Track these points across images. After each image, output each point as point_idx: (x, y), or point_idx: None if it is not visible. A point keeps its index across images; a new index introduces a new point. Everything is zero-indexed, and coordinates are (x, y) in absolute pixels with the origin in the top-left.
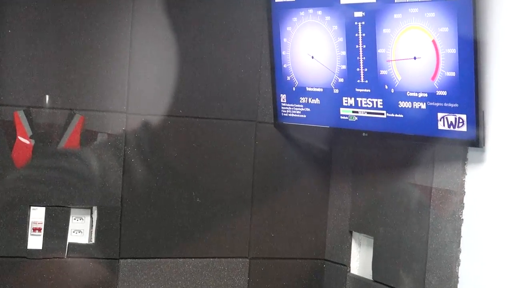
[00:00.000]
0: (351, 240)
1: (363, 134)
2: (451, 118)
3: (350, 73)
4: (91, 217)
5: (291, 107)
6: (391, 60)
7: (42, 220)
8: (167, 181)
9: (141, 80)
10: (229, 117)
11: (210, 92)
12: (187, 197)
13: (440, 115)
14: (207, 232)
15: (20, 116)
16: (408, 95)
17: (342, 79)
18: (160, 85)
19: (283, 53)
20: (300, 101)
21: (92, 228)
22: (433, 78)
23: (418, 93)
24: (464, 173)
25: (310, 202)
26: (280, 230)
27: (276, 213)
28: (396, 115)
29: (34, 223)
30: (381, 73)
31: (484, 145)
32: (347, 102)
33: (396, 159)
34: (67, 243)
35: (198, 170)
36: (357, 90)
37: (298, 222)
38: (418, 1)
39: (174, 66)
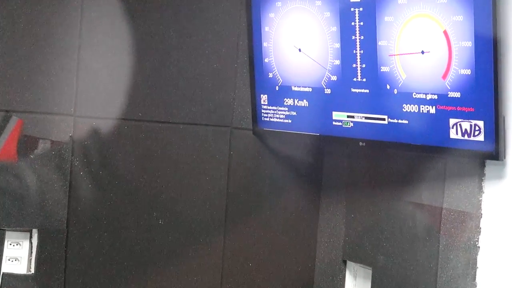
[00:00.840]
0: (345, 271)
1: (360, 143)
2: (466, 125)
3: (345, 70)
4: (31, 242)
5: (274, 110)
6: (394, 55)
7: None
8: (122, 200)
9: (93, 77)
10: (198, 122)
11: (176, 92)
12: (147, 218)
13: (452, 121)
14: (170, 262)
15: None
16: (414, 97)
17: (335, 76)
18: (115, 83)
19: (265, 44)
20: (285, 103)
21: (31, 256)
22: (445, 76)
23: (426, 94)
24: (481, 191)
25: (295, 225)
26: (259, 260)
27: (254, 239)
28: (399, 121)
29: None
30: (382, 70)
31: (504, 158)
32: (341, 105)
33: (399, 174)
34: (1, 274)
35: (161, 186)
36: (353, 90)
37: (281, 250)
38: None
39: (132, 60)
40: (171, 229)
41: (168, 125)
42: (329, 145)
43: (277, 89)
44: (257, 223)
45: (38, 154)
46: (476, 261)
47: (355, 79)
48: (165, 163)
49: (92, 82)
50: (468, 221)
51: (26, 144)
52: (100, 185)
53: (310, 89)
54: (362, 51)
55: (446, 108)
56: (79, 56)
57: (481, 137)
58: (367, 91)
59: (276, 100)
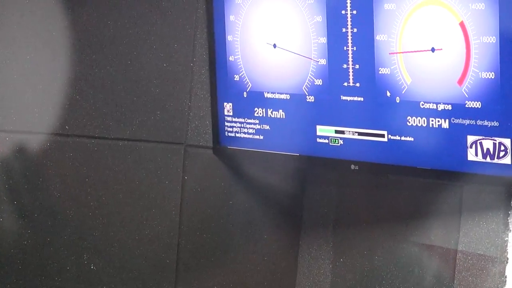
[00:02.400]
0: None
1: (352, 166)
2: (488, 143)
3: (333, 72)
4: None
5: (241, 123)
6: (397, 53)
7: None
8: (47, 235)
9: (12, 82)
10: (142, 138)
11: (113, 100)
12: (76, 261)
13: (471, 138)
14: None
15: None
16: (421, 107)
17: (321, 80)
18: (36, 90)
19: (229, 38)
20: (255, 114)
21: None
22: (461, 81)
23: (437, 104)
24: (507, 229)
25: (268, 272)
26: None
27: None
28: (403, 138)
29: None
30: (380, 73)
31: None
32: (327, 117)
33: (402, 207)
34: None
35: (93, 220)
36: (343, 98)
37: None
38: None
39: (58, 61)
40: (105, 277)
41: (104, 142)
42: (312, 169)
43: (245, 95)
44: (217, 270)
45: None
46: None
47: (345, 84)
48: (99, 190)
49: (12, 89)
50: (490, 267)
51: None
52: (21, 216)
53: (288, 96)
54: (354, 48)
55: (463, 122)
56: None
57: (507, 160)
58: (361, 99)
59: (243, 110)
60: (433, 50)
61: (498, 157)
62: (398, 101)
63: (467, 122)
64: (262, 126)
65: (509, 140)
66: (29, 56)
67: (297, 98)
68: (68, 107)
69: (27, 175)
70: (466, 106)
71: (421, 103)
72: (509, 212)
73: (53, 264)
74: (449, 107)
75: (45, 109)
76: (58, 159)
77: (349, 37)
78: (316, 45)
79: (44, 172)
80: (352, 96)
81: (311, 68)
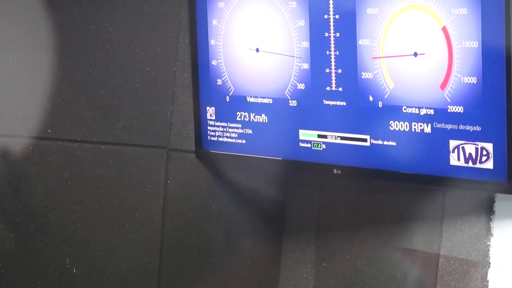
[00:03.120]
0: None
1: (335, 171)
2: (470, 148)
3: (316, 76)
4: None
5: (223, 127)
6: (379, 57)
7: None
8: (26, 240)
9: None
10: (125, 142)
11: (95, 103)
12: (57, 265)
13: (453, 143)
14: None
15: None
16: (404, 111)
17: (303, 84)
18: (23, 93)
19: (212, 42)
20: (238, 118)
21: None
22: (443, 86)
23: (419, 108)
24: (489, 233)
25: (250, 277)
26: None
27: None
28: (385, 143)
29: None
30: (363, 77)
31: None
32: (310, 121)
33: (384, 211)
34: None
35: (76, 223)
36: (325, 102)
37: None
38: None
39: (39, 62)
40: (88, 281)
41: (86, 145)
42: (295, 173)
43: (227, 100)
44: (200, 275)
45: None
46: None
47: (328, 88)
48: (82, 194)
49: None
50: (473, 272)
51: None
52: (4, 221)
53: (271, 101)
54: (337, 52)
55: (445, 126)
56: None
57: (489, 164)
58: (344, 103)
59: (226, 114)
60: (415, 54)
61: (481, 162)
62: (380, 106)
63: (449, 126)
64: (245, 130)
65: (491, 144)
66: (11, 59)
67: (279, 102)
68: (50, 110)
69: (10, 179)
70: (449, 110)
71: (403, 108)
72: (491, 217)
73: (35, 267)
74: (432, 111)
75: (27, 113)
76: (41, 163)
77: (332, 42)
78: (298, 49)
79: (27, 175)
80: (334, 101)
81: (293, 72)
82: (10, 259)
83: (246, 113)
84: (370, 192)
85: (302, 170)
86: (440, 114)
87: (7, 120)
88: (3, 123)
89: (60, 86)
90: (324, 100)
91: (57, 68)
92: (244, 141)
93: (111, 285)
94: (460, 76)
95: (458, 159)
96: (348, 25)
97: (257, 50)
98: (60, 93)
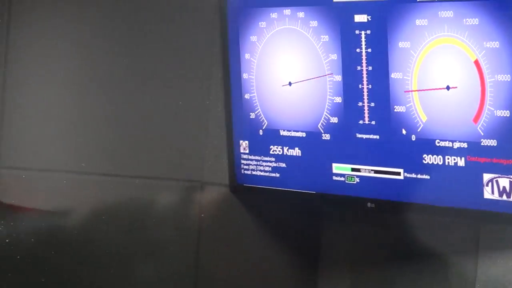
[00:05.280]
0: None
1: (368, 204)
2: (504, 182)
3: (348, 110)
4: None
5: (257, 160)
6: (412, 91)
7: None
8: (65, 272)
9: (26, 120)
10: (157, 175)
11: (127, 137)
12: None
13: (487, 176)
14: None
15: None
16: (437, 145)
17: (336, 118)
18: (56, 127)
19: (245, 76)
20: (271, 152)
21: None
22: (476, 119)
23: (453, 142)
24: None
25: None
26: None
27: None
28: (419, 176)
29: None
30: (395, 111)
31: None
32: (343, 155)
33: (419, 245)
34: None
35: (112, 258)
36: (358, 136)
37: None
38: (453, 0)
39: (69, 94)
40: None
41: (120, 180)
42: (329, 207)
43: (261, 133)
44: None
45: None
46: None
47: (361, 122)
48: (116, 228)
49: (21, 127)
50: None
51: None
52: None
53: (304, 134)
54: (370, 86)
55: (479, 159)
56: (4, 92)
57: None
58: (377, 137)
59: (259, 148)
60: (448, 88)
61: None
62: (414, 139)
63: (483, 160)
64: (278, 164)
65: None
66: (42, 94)
67: (312, 136)
68: (81, 144)
69: (45, 214)
70: (482, 144)
71: (436, 141)
72: None
73: None
74: (465, 145)
75: (58, 147)
76: (75, 197)
77: (364, 75)
78: (331, 83)
79: (61, 210)
80: (367, 134)
81: (326, 106)
82: None
83: (279, 147)
84: (404, 226)
85: (336, 203)
86: (474, 148)
87: (40, 155)
88: (37, 157)
89: (93, 121)
90: (357, 134)
91: (90, 103)
92: (277, 175)
93: None
94: (493, 109)
95: (492, 193)
96: (381, 58)
97: (290, 83)
98: (93, 127)
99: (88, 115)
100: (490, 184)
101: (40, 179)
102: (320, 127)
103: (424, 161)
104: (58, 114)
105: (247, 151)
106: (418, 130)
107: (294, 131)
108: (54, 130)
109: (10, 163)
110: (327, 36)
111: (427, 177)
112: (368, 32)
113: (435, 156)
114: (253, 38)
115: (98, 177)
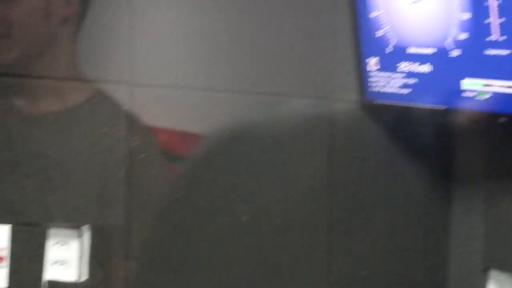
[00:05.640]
0: (487, 282)
1: (501, 119)
2: None
3: (477, 26)
4: (81, 241)
5: (387, 77)
6: None
7: (6, 244)
8: (195, 189)
9: (148, 38)
10: (287, 93)
11: (256, 53)
12: (226, 215)
13: None
14: (259, 265)
15: None
16: None
17: (464, 34)
18: (176, 43)
19: None
20: (400, 69)
21: (82, 259)
22: None
23: None
24: None
25: (419, 225)
26: (375, 269)
27: (366, 243)
28: None
29: None
30: None
31: None
32: (473, 70)
33: None
34: (46, 281)
35: (243, 174)
36: (488, 51)
37: (403, 257)
38: None
39: (199, 17)
40: (256, 229)
41: (247, 97)
42: (459, 123)
43: (389, 50)
44: (369, 223)
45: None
46: None
47: (489, 38)
48: (242, 147)
49: (147, 44)
50: None
51: None
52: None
53: (433, 50)
54: (500, 1)
55: None
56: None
57: None
58: (508, 52)
59: (388, 64)
60: None
61: None
62: None
63: None
64: (407, 81)
65: None
66: (169, 15)
67: (442, 52)
68: (213, 63)
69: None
70: None
71: None
72: None
73: (205, 215)
74: None
75: (190, 65)
76: (205, 115)
77: None
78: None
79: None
80: (497, 49)
81: (454, 22)
82: (179, 208)
83: (408, 63)
84: None
85: (468, 119)
86: None
87: (170, 73)
88: (166, 76)
89: (223, 39)
90: (487, 49)
91: (218, 21)
92: (406, 91)
93: (280, 234)
94: None
95: None
96: None
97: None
98: (221, 45)
99: (216, 33)
100: None
101: (170, 96)
102: (449, 43)
103: None
104: (187, 33)
105: (376, 68)
106: None
107: (422, 47)
108: (183, 48)
109: (140, 80)
110: None
111: None
112: None
113: None
114: None
115: (228, 94)
